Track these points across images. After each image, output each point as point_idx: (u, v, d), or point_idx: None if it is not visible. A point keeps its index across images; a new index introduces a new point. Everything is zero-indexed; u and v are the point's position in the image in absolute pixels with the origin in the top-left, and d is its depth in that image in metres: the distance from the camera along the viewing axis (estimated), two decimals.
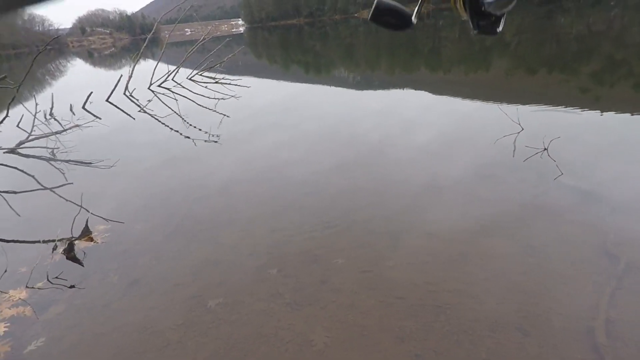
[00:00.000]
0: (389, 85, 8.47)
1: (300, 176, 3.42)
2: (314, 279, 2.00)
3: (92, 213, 3.00)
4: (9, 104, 5.63)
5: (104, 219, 2.94)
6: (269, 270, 2.11)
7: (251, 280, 2.05)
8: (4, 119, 5.62)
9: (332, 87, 8.51)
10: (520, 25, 19.20)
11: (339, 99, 7.09)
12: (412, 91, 7.18)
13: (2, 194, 3.86)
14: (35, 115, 5.80)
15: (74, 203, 3.24)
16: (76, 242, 2.57)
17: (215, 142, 4.82)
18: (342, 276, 1.99)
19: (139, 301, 1.99)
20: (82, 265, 2.38)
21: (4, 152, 5.13)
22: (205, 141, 4.90)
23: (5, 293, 2.14)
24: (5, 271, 2.32)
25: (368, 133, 4.54)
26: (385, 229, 2.37)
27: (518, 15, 25.88)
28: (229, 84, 8.99)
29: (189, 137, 5.13)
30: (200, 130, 5.42)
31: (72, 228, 2.74)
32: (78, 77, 18.63)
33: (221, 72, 10.45)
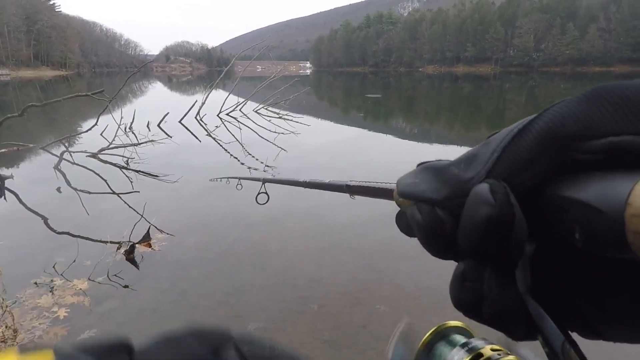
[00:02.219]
0: (447, 140, 8.44)
1: (349, 219, 3.46)
2: (354, 321, 1.98)
3: (151, 224, 3.20)
4: (99, 114, 6.33)
5: (158, 229, 3.13)
6: (310, 304, 2.13)
7: (292, 311, 2.08)
8: (93, 127, 6.31)
9: (388, 136, 8.64)
10: None
11: (392, 148, 7.17)
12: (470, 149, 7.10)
13: (78, 192, 4.27)
14: (119, 127, 6.45)
15: (136, 211, 3.50)
16: (136, 246, 2.76)
17: (271, 174, 5.03)
18: (383, 323, 1.95)
19: (184, 311, 2.08)
20: (138, 269, 2.54)
21: (86, 156, 5.71)
22: (259, 170, 5.14)
23: (70, 281, 2.34)
24: (74, 261, 2.55)
25: None
26: (433, 283, 2.32)
27: None
28: (291, 120, 9.44)
29: (247, 166, 5.41)
30: (257, 160, 5.70)
31: (131, 233, 2.94)
32: (156, 98, 20.49)
33: (285, 109, 11.02)
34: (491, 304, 0.18)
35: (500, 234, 0.16)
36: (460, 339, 0.32)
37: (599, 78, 38.79)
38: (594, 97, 0.15)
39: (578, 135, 0.15)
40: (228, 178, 1.69)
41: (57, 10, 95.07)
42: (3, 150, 5.63)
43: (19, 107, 5.70)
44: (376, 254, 2.73)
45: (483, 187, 0.17)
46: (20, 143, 5.91)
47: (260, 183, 1.06)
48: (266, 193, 1.08)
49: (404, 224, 0.23)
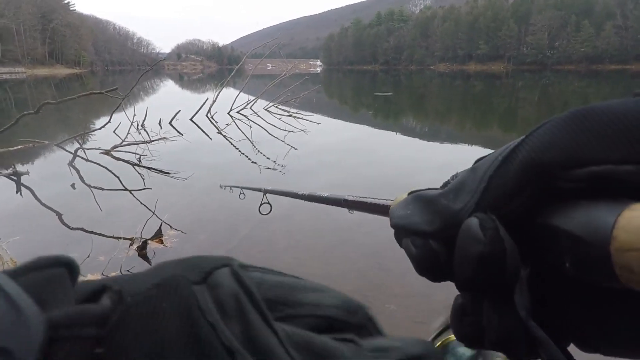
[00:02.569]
0: (457, 139, 8.37)
1: (357, 216, 3.45)
2: None
3: (163, 221, 3.24)
4: (113, 112, 6.42)
5: (170, 226, 3.17)
6: None
7: None
8: (106, 124, 6.41)
9: (398, 134, 8.59)
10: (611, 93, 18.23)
11: (402, 147, 7.13)
12: (481, 149, 7.02)
13: (92, 188, 4.34)
14: (131, 124, 6.54)
15: (148, 208, 3.54)
16: (148, 242, 2.80)
17: (280, 172, 5.04)
18: (393, 323, 1.95)
19: None
20: (150, 265, 2.58)
21: (99, 153, 5.80)
22: (270, 168, 5.16)
23: (84, 276, 2.37)
24: (88, 257, 2.60)
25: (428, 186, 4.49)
26: (443, 282, 2.31)
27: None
28: (301, 118, 9.45)
29: (255, 163, 5.43)
30: (267, 158, 5.72)
31: (142, 229, 2.98)
32: (168, 96, 20.70)
33: (295, 107, 11.04)
34: (492, 334, 0.18)
35: (494, 269, 0.17)
36: (465, 351, 0.32)
37: (614, 76, 38.05)
38: (574, 122, 0.15)
39: (560, 165, 0.15)
40: (232, 187, 1.76)
41: (71, 8, 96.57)
42: (19, 146, 5.75)
43: (34, 104, 5.82)
44: (385, 252, 2.72)
45: (473, 223, 0.17)
46: (36, 140, 6.03)
47: (262, 193, 1.08)
48: (269, 203, 1.10)
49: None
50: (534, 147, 0.16)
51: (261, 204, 1.09)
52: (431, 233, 0.20)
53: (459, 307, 0.19)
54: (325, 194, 0.53)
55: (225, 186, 1.84)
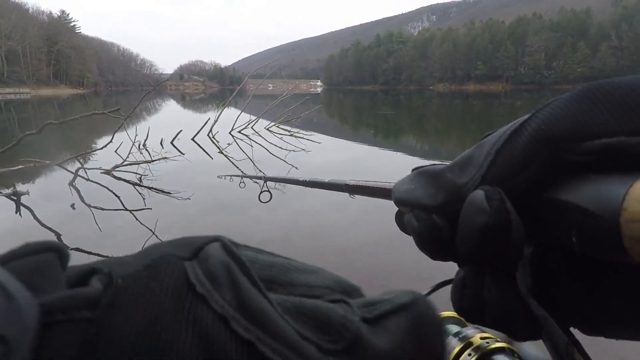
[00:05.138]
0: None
1: (361, 237, 3.41)
2: None
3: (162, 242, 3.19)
4: (115, 132, 6.45)
5: None
6: None
7: None
8: (108, 144, 6.43)
9: (398, 153, 8.61)
10: None
11: (402, 166, 7.12)
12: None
13: (91, 208, 4.31)
14: (133, 144, 6.56)
15: (148, 228, 3.51)
16: None
17: (281, 191, 5.01)
18: None
19: None
20: None
21: (100, 172, 5.79)
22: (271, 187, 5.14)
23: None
24: None
25: None
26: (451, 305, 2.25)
27: None
28: (302, 138, 9.50)
29: (256, 183, 5.41)
30: None
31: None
32: (170, 115, 20.91)
33: (296, 127, 11.11)
34: (493, 309, 0.18)
35: (498, 241, 0.17)
36: (453, 328, 0.34)
37: None
38: (586, 96, 0.15)
39: (571, 136, 0.15)
40: (232, 176, 1.74)
41: (77, 31, 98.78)
42: (20, 166, 5.75)
43: (37, 124, 5.85)
44: (390, 275, 2.67)
45: (479, 195, 0.17)
46: (37, 160, 6.03)
47: (263, 194, 1.07)
48: (269, 191, 1.08)
49: (403, 223, 0.23)
50: (545, 120, 0.15)
51: (261, 192, 1.08)
52: (435, 207, 0.20)
53: (459, 280, 0.19)
54: (326, 179, 0.52)
55: (224, 176, 1.82)
